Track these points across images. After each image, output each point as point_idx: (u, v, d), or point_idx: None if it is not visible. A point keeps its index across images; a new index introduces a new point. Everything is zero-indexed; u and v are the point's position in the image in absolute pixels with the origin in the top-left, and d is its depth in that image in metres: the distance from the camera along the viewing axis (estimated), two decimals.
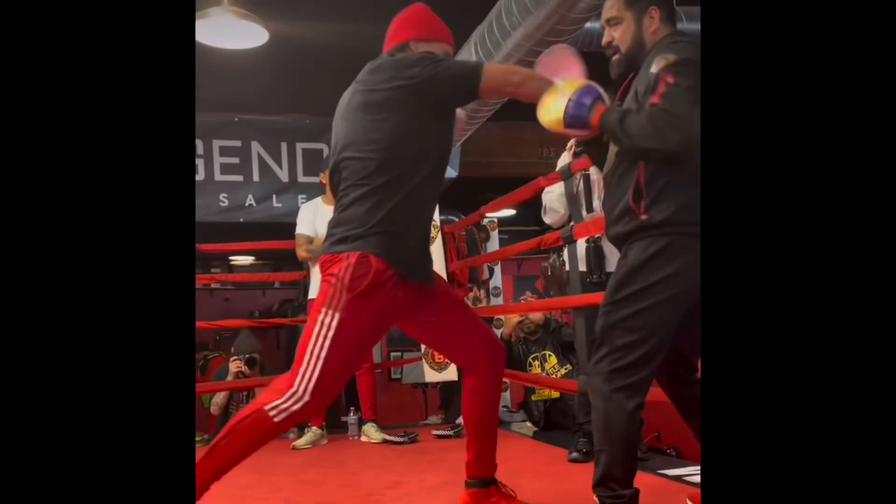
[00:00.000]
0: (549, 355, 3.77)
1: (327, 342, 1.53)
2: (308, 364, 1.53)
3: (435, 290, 1.75)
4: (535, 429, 3.64)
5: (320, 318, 1.55)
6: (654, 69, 1.52)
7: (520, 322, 3.83)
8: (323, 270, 1.63)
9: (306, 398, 1.53)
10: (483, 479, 1.85)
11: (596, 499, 1.57)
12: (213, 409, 4.27)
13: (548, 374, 3.71)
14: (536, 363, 3.78)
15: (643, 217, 1.54)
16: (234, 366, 4.23)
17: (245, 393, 4.20)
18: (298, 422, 1.60)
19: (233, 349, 4.45)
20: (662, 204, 1.53)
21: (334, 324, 1.54)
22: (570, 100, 1.56)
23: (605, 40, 1.68)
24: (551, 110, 1.58)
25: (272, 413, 1.52)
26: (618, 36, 1.65)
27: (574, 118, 1.56)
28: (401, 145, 1.62)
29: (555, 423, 3.62)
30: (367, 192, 1.62)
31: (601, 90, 1.61)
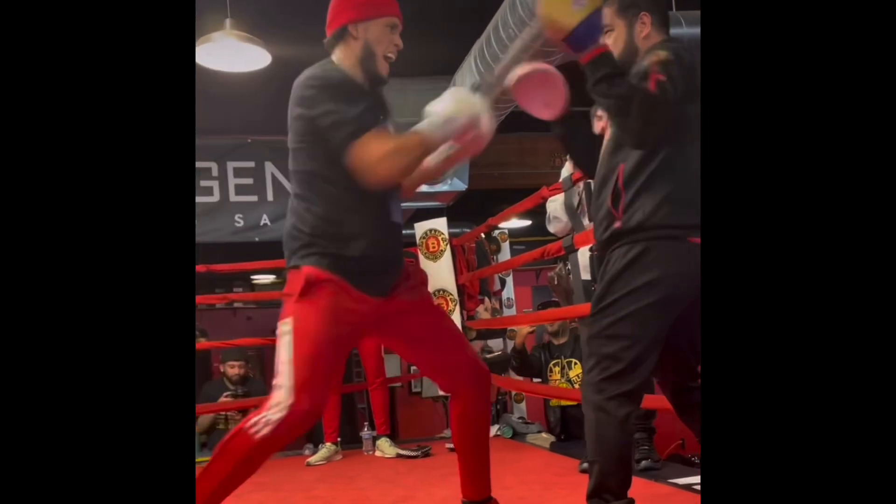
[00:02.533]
0: (575, 363, 3.70)
1: (290, 346, 1.56)
2: (281, 372, 1.55)
3: (410, 308, 1.71)
4: (552, 439, 3.59)
5: (280, 330, 1.59)
6: (644, 63, 1.51)
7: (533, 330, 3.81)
8: None
9: (290, 400, 1.51)
10: (479, 502, 1.84)
11: None
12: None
13: (572, 381, 3.67)
14: (557, 369, 3.75)
15: (619, 221, 1.54)
16: (234, 371, 4.19)
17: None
18: (290, 433, 1.54)
19: (222, 357, 4.34)
20: (637, 207, 1.53)
21: (290, 328, 1.57)
22: (585, 17, 1.41)
23: None
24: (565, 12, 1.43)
25: (254, 430, 1.50)
26: (610, 44, 1.63)
27: (581, 37, 1.43)
28: (323, 161, 1.61)
29: (574, 433, 3.57)
30: (297, 206, 1.65)
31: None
